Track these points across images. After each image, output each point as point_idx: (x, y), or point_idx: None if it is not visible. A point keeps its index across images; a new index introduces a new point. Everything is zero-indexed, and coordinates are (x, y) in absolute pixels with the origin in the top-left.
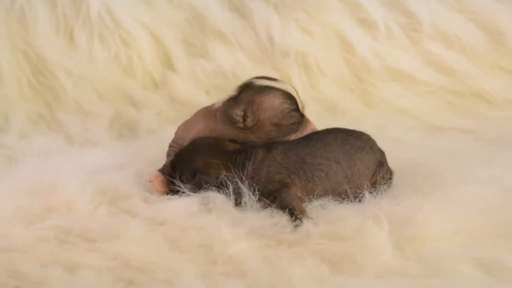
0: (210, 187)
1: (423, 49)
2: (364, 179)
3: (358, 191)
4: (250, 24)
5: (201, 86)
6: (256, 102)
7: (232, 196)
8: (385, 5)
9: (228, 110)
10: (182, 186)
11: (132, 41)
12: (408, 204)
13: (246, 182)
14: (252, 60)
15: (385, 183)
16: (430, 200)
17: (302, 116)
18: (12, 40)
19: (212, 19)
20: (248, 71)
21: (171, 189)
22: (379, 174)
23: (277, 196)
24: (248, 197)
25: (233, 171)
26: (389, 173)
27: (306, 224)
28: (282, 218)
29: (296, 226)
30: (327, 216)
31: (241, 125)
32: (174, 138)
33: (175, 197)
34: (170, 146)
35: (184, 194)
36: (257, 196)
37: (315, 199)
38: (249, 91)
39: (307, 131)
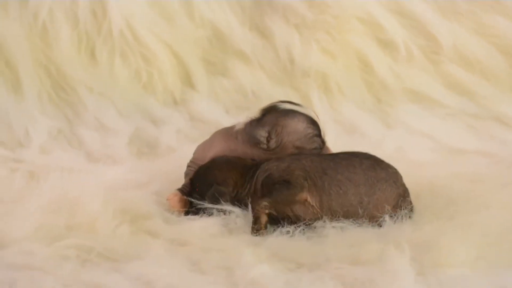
0: (225, 200)
1: (443, 71)
2: (380, 211)
3: (372, 220)
4: (270, 43)
5: (221, 104)
6: (280, 125)
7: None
8: (406, 26)
9: (252, 131)
10: (199, 201)
11: (153, 57)
12: (430, 229)
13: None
14: (272, 80)
15: (406, 213)
16: (452, 226)
17: (323, 142)
18: (34, 55)
19: (233, 37)
20: (268, 90)
21: (190, 207)
22: (400, 208)
23: (278, 187)
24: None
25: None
26: (410, 209)
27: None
28: (301, 241)
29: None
30: (346, 239)
31: (265, 146)
32: (192, 158)
33: (195, 217)
34: (188, 166)
35: (202, 211)
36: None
37: (326, 214)
38: (273, 114)
39: None
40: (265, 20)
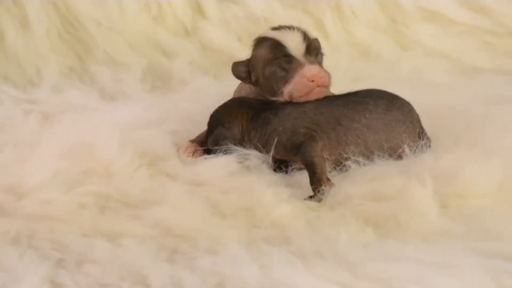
0: (226, 143)
1: None
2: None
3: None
4: None
5: (233, 32)
6: (252, 56)
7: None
8: None
9: (234, 68)
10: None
11: None
12: (450, 159)
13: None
14: (284, 5)
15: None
16: (472, 154)
17: (289, 61)
18: None
19: None
20: (280, 16)
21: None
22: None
23: (301, 149)
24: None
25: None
26: (428, 144)
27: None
28: None
29: (314, 198)
30: (366, 174)
31: (248, 81)
32: None
33: (212, 156)
34: None
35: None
36: (272, 151)
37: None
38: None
39: (297, 77)
40: None
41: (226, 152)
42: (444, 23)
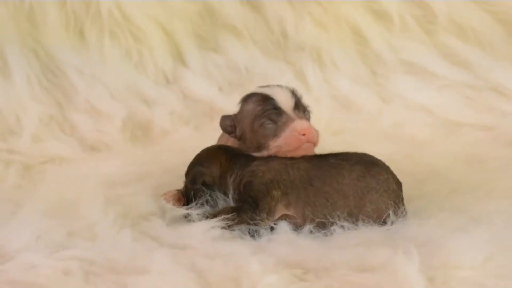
0: (204, 181)
1: (438, 41)
2: (370, 221)
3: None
4: (263, 17)
5: (214, 81)
6: (239, 111)
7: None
8: None
9: (221, 122)
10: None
11: (143, 35)
12: (434, 226)
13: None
14: (266, 54)
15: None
16: (457, 222)
17: (279, 114)
18: (21, 38)
19: (224, 12)
20: (261, 65)
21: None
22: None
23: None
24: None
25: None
26: (403, 215)
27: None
28: (306, 241)
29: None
30: (351, 241)
31: (233, 135)
32: None
33: (195, 219)
34: None
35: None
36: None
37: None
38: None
39: (288, 130)
40: None
41: (203, 202)
42: (425, 76)
